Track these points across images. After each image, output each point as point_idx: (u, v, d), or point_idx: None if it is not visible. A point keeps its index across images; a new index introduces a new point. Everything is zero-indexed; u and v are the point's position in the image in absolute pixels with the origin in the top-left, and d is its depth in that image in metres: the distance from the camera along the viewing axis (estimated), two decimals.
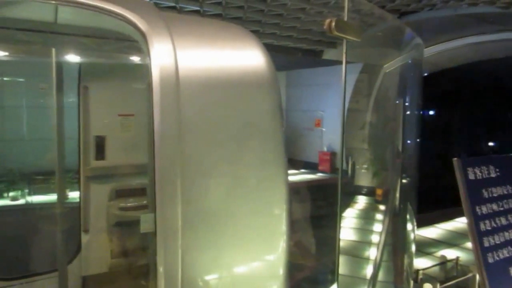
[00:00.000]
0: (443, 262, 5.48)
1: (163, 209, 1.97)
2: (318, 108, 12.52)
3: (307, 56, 10.12)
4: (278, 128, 2.44)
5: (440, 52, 9.96)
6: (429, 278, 4.93)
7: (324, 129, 12.13)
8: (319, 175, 11.23)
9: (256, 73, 2.33)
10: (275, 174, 2.42)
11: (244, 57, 2.36)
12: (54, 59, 3.59)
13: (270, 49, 2.45)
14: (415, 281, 4.74)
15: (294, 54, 9.76)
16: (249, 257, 2.39)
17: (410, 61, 5.60)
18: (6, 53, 3.96)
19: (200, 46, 2.18)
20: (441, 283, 4.75)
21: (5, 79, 7.49)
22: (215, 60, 2.20)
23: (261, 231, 2.39)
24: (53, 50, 3.51)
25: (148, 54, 1.97)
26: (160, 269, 1.99)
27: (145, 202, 4.45)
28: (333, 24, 3.11)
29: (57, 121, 3.74)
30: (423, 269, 5.08)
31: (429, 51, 10.06)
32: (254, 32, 2.97)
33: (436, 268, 5.41)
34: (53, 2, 1.87)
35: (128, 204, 4.40)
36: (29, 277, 4.09)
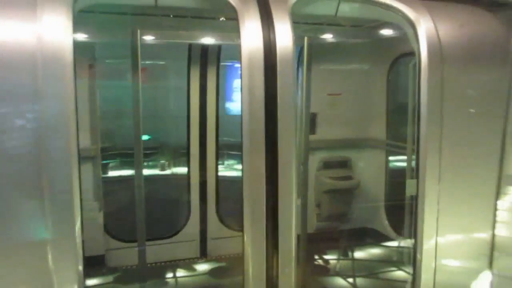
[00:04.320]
0: None
1: (424, 176, 2.43)
2: None
3: None
4: None
5: None
6: None
7: None
8: None
9: None
10: None
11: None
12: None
13: None
14: None
15: None
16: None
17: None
18: None
19: (458, 31, 2.52)
20: None
21: None
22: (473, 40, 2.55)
23: None
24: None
25: (416, 39, 2.38)
26: (418, 228, 2.45)
27: (347, 173, 4.94)
28: None
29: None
30: None
31: None
32: None
33: None
34: None
35: (334, 175, 4.92)
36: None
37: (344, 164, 5.07)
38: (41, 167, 1.93)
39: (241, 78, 2.17)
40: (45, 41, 1.95)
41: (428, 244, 2.54)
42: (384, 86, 4.82)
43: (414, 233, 2.53)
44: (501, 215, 2.72)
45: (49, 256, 1.94)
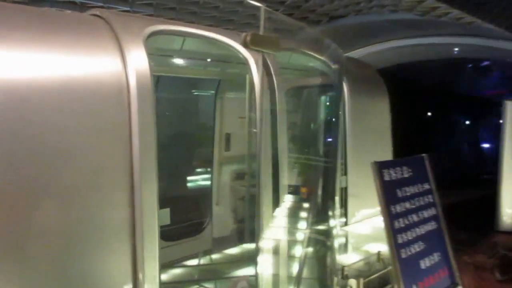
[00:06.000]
0: (366, 257, 5.41)
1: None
2: None
3: None
4: None
5: (368, 54, 11.58)
6: (355, 273, 4.93)
7: None
8: None
9: None
10: None
11: None
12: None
13: None
14: (342, 277, 4.73)
15: None
16: None
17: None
18: None
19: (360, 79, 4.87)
20: (366, 277, 4.79)
21: None
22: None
23: None
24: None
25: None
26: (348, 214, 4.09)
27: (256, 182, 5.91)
28: (249, 38, 3.17)
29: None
30: (348, 265, 5.04)
31: (358, 53, 11.58)
32: None
33: (362, 263, 5.33)
34: None
35: (245, 184, 5.89)
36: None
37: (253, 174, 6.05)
38: (133, 180, 2.61)
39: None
40: (132, 78, 2.63)
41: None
42: None
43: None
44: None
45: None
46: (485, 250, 7.11)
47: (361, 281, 4.66)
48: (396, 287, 3.49)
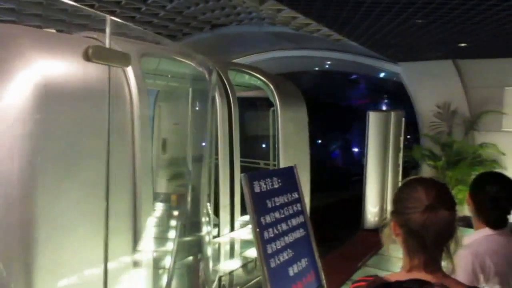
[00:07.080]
0: (244, 264, 5.49)
1: None
2: None
3: None
4: None
5: (250, 63, 11.92)
6: (233, 282, 4.98)
7: None
8: None
9: None
10: None
11: None
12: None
13: None
14: (219, 287, 4.70)
15: None
16: None
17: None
18: None
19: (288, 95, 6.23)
20: (243, 285, 4.88)
21: None
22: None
23: None
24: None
25: (273, 96, 5.83)
26: None
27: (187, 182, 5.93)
28: (90, 51, 2.78)
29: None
30: (225, 274, 5.03)
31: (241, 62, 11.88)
32: None
33: (241, 270, 5.37)
34: None
35: (180, 183, 6.52)
36: None
37: (185, 174, 6.24)
38: (133, 173, 3.27)
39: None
40: (133, 90, 3.28)
41: None
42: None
43: None
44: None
45: None
46: (350, 248, 7.98)
47: None
48: None
